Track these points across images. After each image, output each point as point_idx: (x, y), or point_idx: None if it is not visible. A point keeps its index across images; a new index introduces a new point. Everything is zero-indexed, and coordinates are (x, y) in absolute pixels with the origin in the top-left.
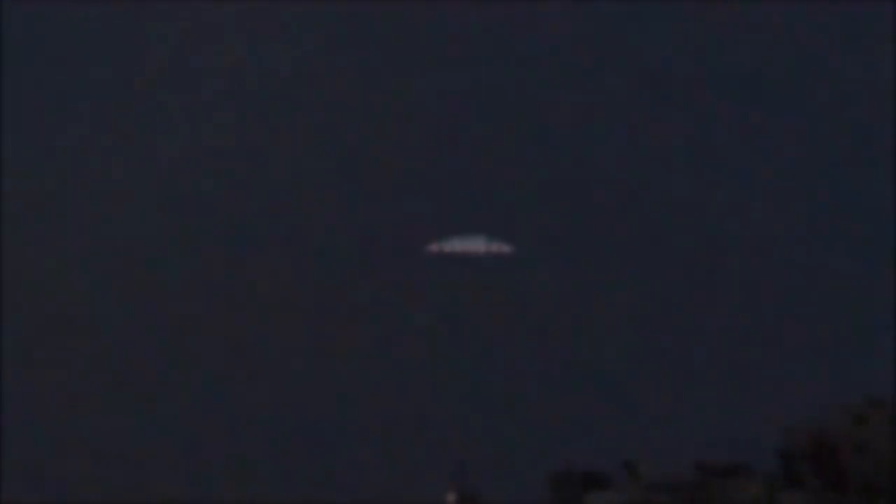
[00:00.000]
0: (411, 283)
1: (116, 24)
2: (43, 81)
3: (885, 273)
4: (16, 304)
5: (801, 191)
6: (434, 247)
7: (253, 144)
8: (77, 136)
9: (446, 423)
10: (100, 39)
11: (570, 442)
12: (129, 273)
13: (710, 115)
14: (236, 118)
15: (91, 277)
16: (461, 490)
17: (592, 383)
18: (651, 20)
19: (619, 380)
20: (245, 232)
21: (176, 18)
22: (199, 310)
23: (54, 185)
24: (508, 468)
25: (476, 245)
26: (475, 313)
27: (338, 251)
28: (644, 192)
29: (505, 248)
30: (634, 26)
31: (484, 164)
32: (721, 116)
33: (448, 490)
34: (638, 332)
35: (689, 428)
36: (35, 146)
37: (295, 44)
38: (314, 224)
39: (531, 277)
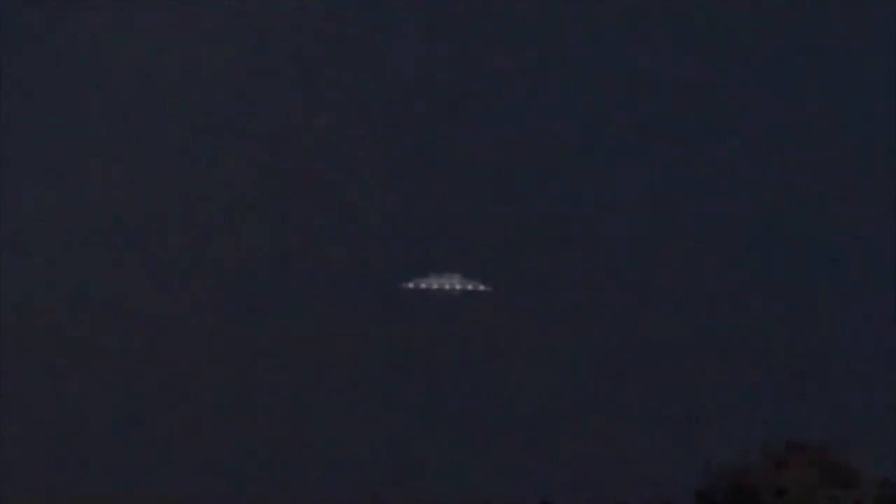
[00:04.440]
0: (385, 319)
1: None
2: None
3: (813, 314)
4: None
5: (740, 226)
6: (411, 284)
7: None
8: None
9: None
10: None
11: (487, 477)
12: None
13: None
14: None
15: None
16: None
17: (511, 421)
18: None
19: (536, 417)
20: (218, 271)
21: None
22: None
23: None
24: None
25: (452, 282)
26: (438, 350)
27: (316, 284)
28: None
29: (480, 287)
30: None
31: (460, 202)
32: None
33: None
34: (559, 369)
35: (606, 467)
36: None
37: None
38: (292, 258)
39: (500, 316)
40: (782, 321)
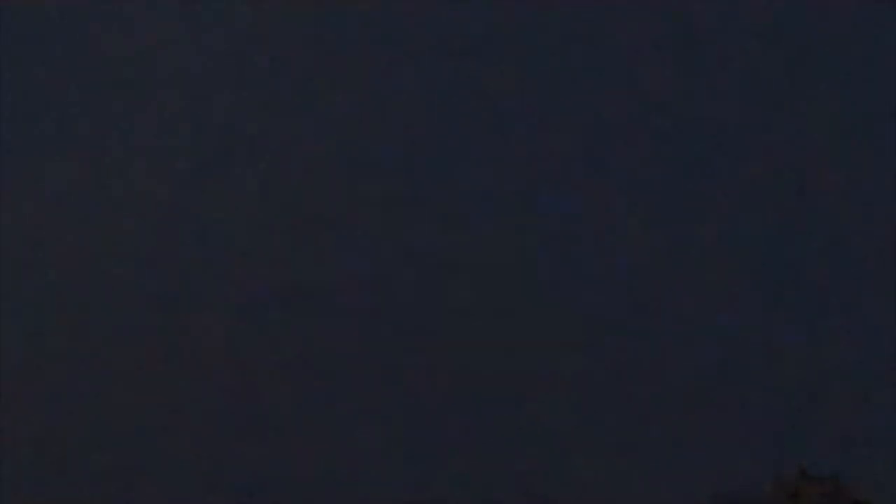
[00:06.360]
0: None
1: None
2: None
3: (822, 344)
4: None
5: (736, 250)
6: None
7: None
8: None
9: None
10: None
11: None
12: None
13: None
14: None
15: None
16: None
17: (535, 444)
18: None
19: (540, 440)
20: (242, 295)
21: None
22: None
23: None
24: None
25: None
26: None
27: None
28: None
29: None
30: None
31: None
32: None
33: None
34: (564, 393)
35: (612, 497)
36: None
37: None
38: (302, 279)
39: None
40: (795, 349)
